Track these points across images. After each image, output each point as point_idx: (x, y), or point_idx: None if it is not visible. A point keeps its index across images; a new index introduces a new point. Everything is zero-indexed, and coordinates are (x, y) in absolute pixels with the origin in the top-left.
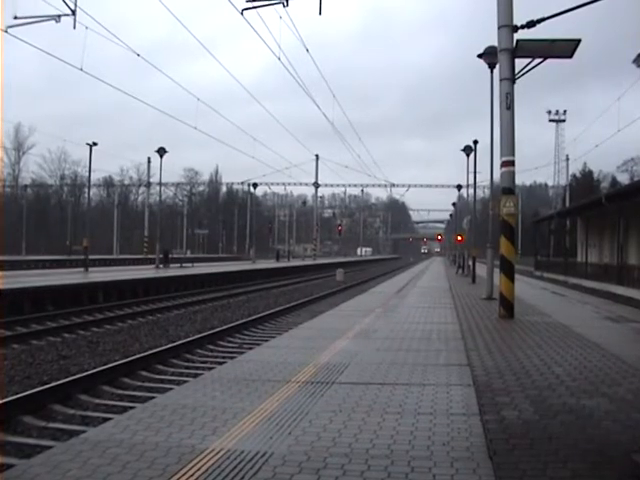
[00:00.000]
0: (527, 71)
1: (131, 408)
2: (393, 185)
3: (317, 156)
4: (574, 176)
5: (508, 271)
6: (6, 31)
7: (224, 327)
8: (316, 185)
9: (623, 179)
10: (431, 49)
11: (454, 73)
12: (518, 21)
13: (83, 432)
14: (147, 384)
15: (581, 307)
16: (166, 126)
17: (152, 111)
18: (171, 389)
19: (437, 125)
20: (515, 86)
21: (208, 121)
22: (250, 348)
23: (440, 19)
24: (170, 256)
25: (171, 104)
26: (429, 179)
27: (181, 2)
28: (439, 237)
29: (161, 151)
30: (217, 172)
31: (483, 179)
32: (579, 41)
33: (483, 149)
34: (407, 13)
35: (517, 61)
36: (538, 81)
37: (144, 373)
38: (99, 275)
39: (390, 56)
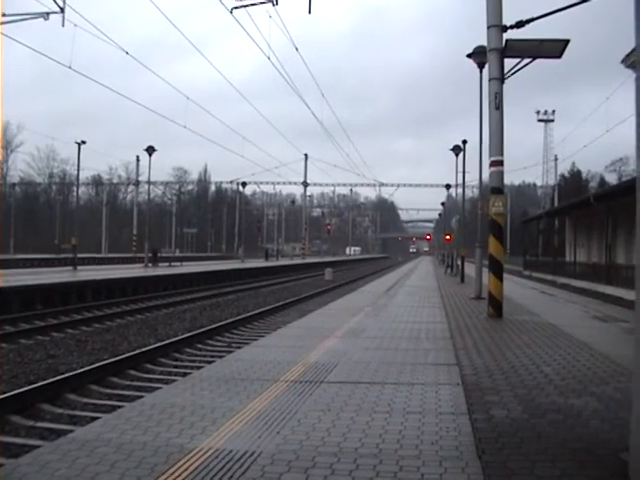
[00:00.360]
0: (516, 71)
1: (119, 407)
2: (382, 184)
3: (306, 155)
4: (563, 176)
5: (497, 270)
6: None
7: (213, 326)
8: (305, 184)
9: (611, 179)
10: (422, 49)
11: (445, 73)
12: (507, 21)
13: (71, 431)
14: (136, 383)
15: (570, 307)
16: (156, 125)
17: (142, 110)
18: (160, 388)
19: (427, 124)
20: (504, 86)
21: (198, 120)
22: (239, 347)
23: (430, 19)
24: (159, 255)
25: (161, 103)
26: (418, 178)
27: (172, 1)
28: (428, 236)
29: (150, 150)
30: (206, 171)
31: (472, 179)
32: (568, 41)
33: (472, 148)
34: (398, 13)
35: (506, 61)
36: (527, 81)
37: (133, 372)
38: (88, 274)
39: (381, 55)
